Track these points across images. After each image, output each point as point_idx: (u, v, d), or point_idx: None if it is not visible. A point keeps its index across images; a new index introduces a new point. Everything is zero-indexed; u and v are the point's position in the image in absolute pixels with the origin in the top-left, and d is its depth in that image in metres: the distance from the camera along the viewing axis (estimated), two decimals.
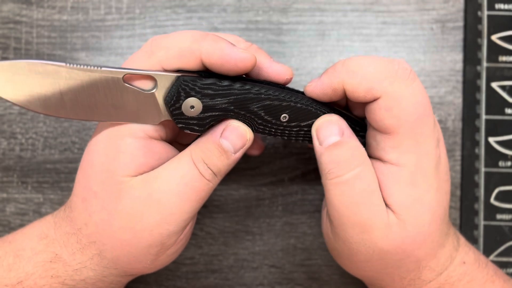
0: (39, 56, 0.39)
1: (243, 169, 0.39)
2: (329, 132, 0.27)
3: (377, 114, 0.26)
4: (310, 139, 0.28)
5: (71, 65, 0.25)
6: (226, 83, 0.26)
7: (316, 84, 0.27)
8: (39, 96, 0.25)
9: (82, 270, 0.28)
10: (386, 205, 0.27)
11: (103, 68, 0.25)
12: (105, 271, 0.28)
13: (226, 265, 0.38)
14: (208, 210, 0.39)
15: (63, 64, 0.25)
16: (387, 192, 0.27)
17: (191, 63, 0.26)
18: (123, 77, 0.25)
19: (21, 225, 0.35)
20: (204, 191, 0.27)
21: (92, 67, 0.25)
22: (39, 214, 0.38)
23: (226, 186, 0.39)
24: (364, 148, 0.27)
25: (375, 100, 0.26)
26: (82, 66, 0.25)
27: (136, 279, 0.38)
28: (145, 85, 0.26)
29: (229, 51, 0.25)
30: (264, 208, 0.39)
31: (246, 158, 0.39)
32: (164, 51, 0.26)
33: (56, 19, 0.39)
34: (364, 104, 0.27)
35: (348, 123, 0.28)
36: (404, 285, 0.29)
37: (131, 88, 0.26)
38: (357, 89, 0.26)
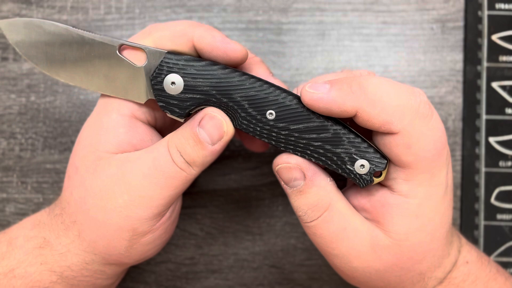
0: None
1: (243, 169, 0.38)
2: (291, 177, 0.26)
3: (393, 149, 0.25)
4: (302, 150, 0.26)
5: (77, 29, 0.27)
6: (207, 62, 0.26)
7: (323, 97, 0.24)
8: (46, 54, 0.28)
9: (66, 255, 0.28)
10: (385, 232, 0.26)
11: (102, 36, 0.27)
12: (87, 256, 0.28)
13: (226, 265, 0.38)
14: (208, 210, 0.39)
15: (70, 27, 0.27)
16: (389, 222, 0.26)
17: (183, 45, 0.27)
18: (118, 47, 0.27)
19: None
20: (176, 179, 0.26)
21: (93, 33, 0.27)
22: None
23: (226, 186, 0.38)
24: (330, 184, 0.26)
25: (390, 133, 0.25)
26: (85, 31, 0.27)
27: (136, 279, 0.38)
28: (138, 61, 0.27)
29: (221, 39, 0.26)
30: (264, 208, 0.38)
31: (246, 158, 0.39)
32: (159, 32, 0.27)
33: (56, 19, 0.39)
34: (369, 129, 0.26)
35: (351, 139, 0.26)
36: None
37: (124, 60, 0.27)
38: (373, 120, 0.24)
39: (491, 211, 0.38)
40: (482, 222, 0.38)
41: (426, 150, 0.25)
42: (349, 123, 0.27)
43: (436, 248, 0.27)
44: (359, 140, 0.26)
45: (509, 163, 0.38)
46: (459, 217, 0.38)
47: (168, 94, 0.26)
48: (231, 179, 0.38)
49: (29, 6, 0.39)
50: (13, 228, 0.30)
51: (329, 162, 0.26)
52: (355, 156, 0.26)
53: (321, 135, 0.26)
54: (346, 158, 0.26)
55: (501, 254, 0.38)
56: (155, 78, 0.26)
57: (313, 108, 0.25)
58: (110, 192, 0.26)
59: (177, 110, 0.27)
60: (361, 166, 0.26)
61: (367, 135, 0.27)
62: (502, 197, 0.38)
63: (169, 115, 0.27)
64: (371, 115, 0.24)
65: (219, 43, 0.26)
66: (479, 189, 0.38)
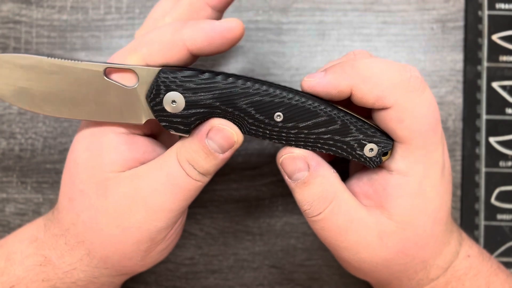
0: None
1: (243, 169, 0.38)
2: (295, 168, 0.26)
3: (388, 124, 0.26)
4: (312, 144, 0.26)
5: (52, 58, 0.25)
6: (207, 75, 0.24)
7: (320, 82, 0.25)
8: (24, 91, 0.25)
9: (72, 272, 0.27)
10: (389, 216, 0.27)
11: (83, 62, 0.25)
12: (96, 271, 0.28)
13: (226, 265, 0.38)
14: (208, 210, 0.39)
15: (44, 57, 0.25)
16: (391, 204, 0.26)
17: (176, 55, 0.25)
18: (104, 71, 0.25)
19: (21, 225, 0.35)
20: (191, 190, 0.27)
21: (73, 60, 0.25)
22: (38, 214, 0.38)
23: (226, 186, 0.38)
24: (334, 175, 0.27)
25: (384, 108, 0.25)
26: (63, 60, 0.25)
27: (136, 279, 0.38)
28: (128, 81, 0.25)
29: (212, 27, 0.24)
30: (264, 208, 0.38)
31: (246, 158, 0.38)
32: (146, 47, 0.25)
33: (55, 18, 0.39)
34: (366, 107, 0.26)
35: (358, 126, 0.26)
36: (412, 286, 0.29)
37: (113, 83, 0.25)
38: (367, 96, 0.25)
39: (491, 211, 0.38)
40: (482, 222, 0.38)
41: (419, 124, 0.25)
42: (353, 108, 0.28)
43: (438, 234, 0.27)
44: (366, 126, 0.26)
45: (509, 163, 0.38)
46: (459, 217, 0.38)
47: (170, 113, 0.25)
48: (231, 179, 0.38)
49: (29, 6, 0.39)
50: (9, 241, 0.29)
51: (339, 151, 0.27)
52: (363, 142, 0.26)
53: (329, 128, 0.26)
54: (356, 145, 0.26)
55: (501, 254, 0.38)
56: (154, 99, 0.25)
57: (314, 93, 0.26)
58: (126, 211, 0.26)
59: (182, 127, 0.26)
60: (370, 150, 0.26)
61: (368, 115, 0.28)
62: (502, 197, 0.38)
63: (173, 132, 0.26)
64: (364, 91, 0.25)
65: (212, 32, 0.24)
66: (479, 189, 0.38)
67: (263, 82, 0.25)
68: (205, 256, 0.38)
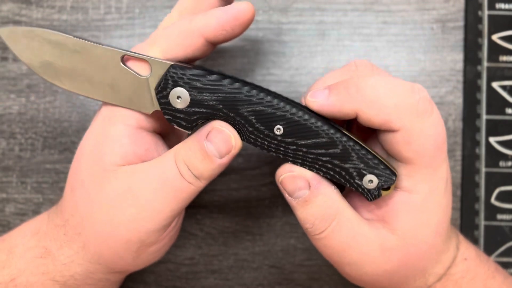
0: None
1: (243, 169, 0.38)
2: (295, 187, 0.26)
3: (394, 146, 0.25)
4: (310, 164, 0.26)
5: (77, 38, 0.27)
6: (214, 77, 0.25)
7: (323, 104, 0.25)
8: (49, 64, 0.27)
9: (70, 265, 0.27)
10: (391, 230, 0.26)
11: (104, 46, 0.26)
12: (91, 266, 0.27)
13: (226, 265, 0.38)
14: (208, 210, 0.38)
15: (71, 36, 0.27)
16: (394, 219, 0.26)
17: (194, 44, 0.26)
18: (121, 58, 0.26)
19: None
20: (184, 193, 0.26)
21: (95, 43, 0.27)
22: (38, 214, 0.38)
23: (226, 186, 0.38)
24: (335, 192, 0.26)
25: (391, 131, 0.25)
26: (86, 41, 0.27)
27: (136, 279, 0.38)
28: (142, 71, 0.26)
29: (222, 11, 0.25)
30: (264, 208, 0.38)
31: (246, 158, 0.38)
32: (164, 39, 0.26)
33: (55, 18, 0.39)
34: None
35: (360, 154, 0.25)
36: None
37: (128, 70, 0.26)
38: (373, 120, 0.24)
39: (491, 211, 0.38)
40: (482, 222, 0.38)
41: (426, 146, 0.25)
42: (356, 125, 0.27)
43: (438, 244, 0.27)
44: (369, 155, 0.25)
45: (509, 163, 0.38)
46: (459, 217, 0.38)
47: (174, 107, 0.26)
48: (231, 179, 0.38)
49: (29, 6, 0.39)
50: (12, 234, 0.29)
51: (337, 176, 0.26)
52: (363, 171, 0.25)
53: (329, 151, 0.25)
54: (355, 173, 0.26)
55: (501, 254, 0.38)
56: (161, 91, 0.26)
57: (318, 112, 0.25)
58: (117, 206, 0.26)
59: (184, 124, 0.26)
60: (370, 181, 0.26)
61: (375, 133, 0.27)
62: (502, 197, 0.38)
63: (176, 127, 0.26)
64: (370, 115, 0.24)
65: (224, 16, 0.25)
66: (479, 189, 0.38)
67: (270, 93, 0.25)
68: (205, 256, 0.38)
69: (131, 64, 0.26)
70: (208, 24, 0.25)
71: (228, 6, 0.25)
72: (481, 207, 0.38)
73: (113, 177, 0.26)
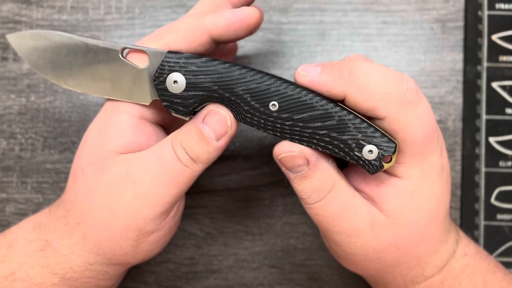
0: None
1: (243, 169, 0.38)
2: (294, 164, 0.26)
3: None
4: (308, 140, 0.26)
5: (80, 37, 0.28)
6: (207, 58, 0.26)
7: (314, 80, 0.25)
8: (53, 65, 0.28)
9: (70, 257, 0.28)
10: (381, 210, 0.27)
11: (104, 41, 0.28)
12: (91, 257, 0.28)
13: (226, 265, 0.38)
14: (208, 210, 0.39)
15: (74, 35, 0.28)
16: (384, 200, 0.27)
17: (198, 39, 0.26)
18: (121, 51, 0.27)
19: None
20: (181, 176, 0.26)
21: (95, 39, 0.28)
22: None
23: (226, 186, 0.38)
24: (332, 165, 0.27)
25: (378, 118, 0.25)
26: (87, 38, 0.28)
27: (136, 279, 0.38)
28: (141, 63, 0.27)
29: (232, 12, 0.26)
30: (264, 208, 0.38)
31: (246, 158, 0.39)
32: (170, 33, 0.27)
33: (55, 19, 0.39)
34: None
35: (356, 124, 0.25)
36: (406, 282, 0.29)
37: (127, 63, 0.27)
38: (360, 105, 0.25)
39: (491, 211, 0.38)
40: (482, 222, 0.38)
41: (413, 135, 0.25)
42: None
43: (433, 232, 0.27)
44: (365, 125, 0.25)
45: (509, 163, 0.38)
46: (459, 217, 0.38)
47: (171, 93, 0.26)
48: (231, 179, 0.38)
49: (29, 6, 0.39)
50: (13, 229, 0.29)
51: (336, 150, 0.26)
52: (362, 142, 0.26)
53: (326, 123, 0.25)
54: (354, 145, 0.26)
55: (501, 254, 0.38)
56: (158, 78, 0.26)
57: (308, 87, 0.26)
58: (115, 192, 0.26)
59: (181, 109, 0.27)
60: (369, 151, 0.25)
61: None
62: (502, 197, 0.38)
63: (173, 114, 0.27)
64: (358, 100, 0.25)
65: (232, 17, 0.26)
66: (479, 189, 0.38)
67: (260, 71, 0.26)
68: (205, 256, 0.38)
69: (130, 57, 0.27)
70: (216, 22, 0.26)
71: (238, 9, 0.26)
72: (481, 207, 0.38)
73: (112, 164, 0.26)
